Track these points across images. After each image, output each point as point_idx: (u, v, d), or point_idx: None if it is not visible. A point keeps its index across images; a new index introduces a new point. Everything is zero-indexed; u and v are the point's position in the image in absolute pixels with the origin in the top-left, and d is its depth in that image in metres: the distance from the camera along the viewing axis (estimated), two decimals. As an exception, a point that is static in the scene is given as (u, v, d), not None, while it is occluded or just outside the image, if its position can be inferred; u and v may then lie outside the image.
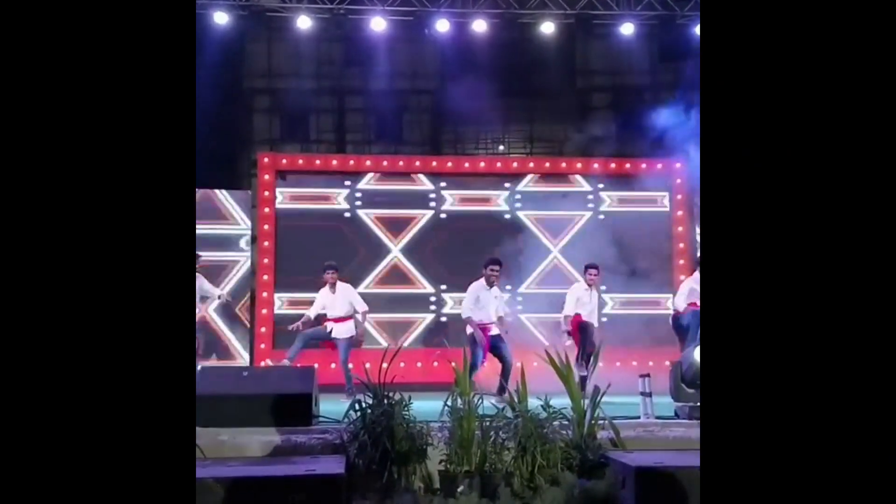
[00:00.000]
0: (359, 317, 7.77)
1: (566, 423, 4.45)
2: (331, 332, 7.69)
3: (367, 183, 10.37)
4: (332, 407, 5.20)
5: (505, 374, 6.86)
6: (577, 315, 7.62)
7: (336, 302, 7.77)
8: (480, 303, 7.13)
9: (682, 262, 10.30)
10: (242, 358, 9.74)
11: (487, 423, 4.34)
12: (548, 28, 10.64)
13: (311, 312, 7.81)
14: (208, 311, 9.62)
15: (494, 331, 7.14)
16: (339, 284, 7.88)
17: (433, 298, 10.22)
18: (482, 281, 7.21)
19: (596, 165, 10.60)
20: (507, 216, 10.40)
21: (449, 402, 4.42)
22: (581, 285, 7.84)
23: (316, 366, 6.44)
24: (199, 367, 5.39)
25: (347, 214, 10.23)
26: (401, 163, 10.54)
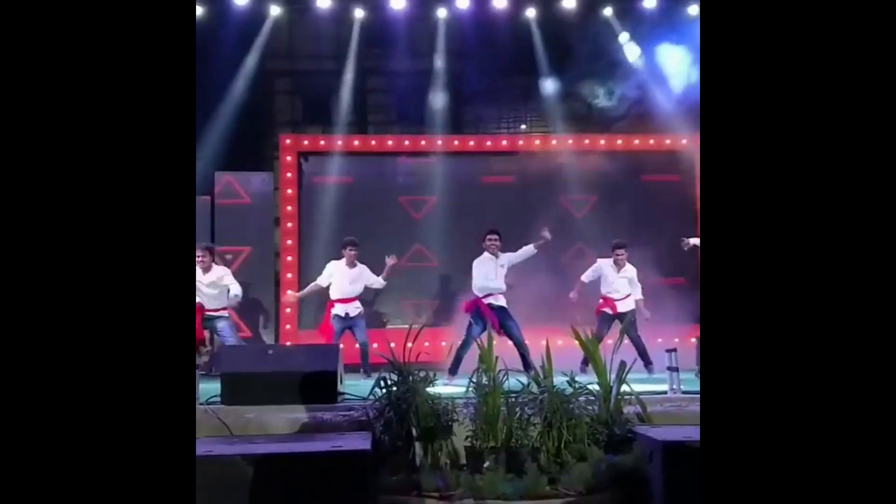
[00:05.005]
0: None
1: (592, 398, 4.43)
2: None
3: (390, 162, 10.34)
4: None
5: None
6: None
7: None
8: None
9: (707, 237, 10.17)
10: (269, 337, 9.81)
11: (513, 400, 4.34)
12: (570, 3, 10.47)
13: (322, 283, 7.91)
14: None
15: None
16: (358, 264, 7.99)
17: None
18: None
19: (620, 142, 10.48)
20: (530, 193, 10.28)
21: (474, 379, 4.42)
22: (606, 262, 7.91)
23: (341, 346, 6.48)
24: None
25: (369, 195, 10.20)
26: (423, 142, 10.48)
